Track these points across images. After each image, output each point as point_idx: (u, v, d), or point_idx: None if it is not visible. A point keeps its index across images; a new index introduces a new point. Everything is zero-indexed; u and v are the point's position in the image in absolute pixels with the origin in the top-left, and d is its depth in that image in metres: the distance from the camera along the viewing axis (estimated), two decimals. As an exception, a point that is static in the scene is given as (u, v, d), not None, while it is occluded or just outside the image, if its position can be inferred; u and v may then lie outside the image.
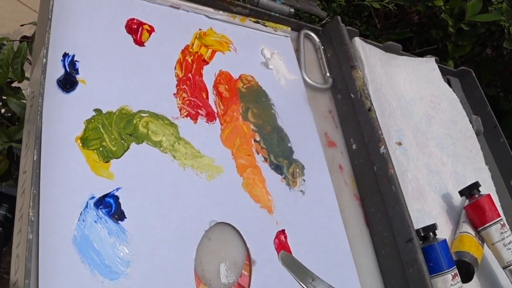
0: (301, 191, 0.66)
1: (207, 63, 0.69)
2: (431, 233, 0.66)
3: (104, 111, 0.56)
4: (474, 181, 0.75)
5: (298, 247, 0.61)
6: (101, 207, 0.50)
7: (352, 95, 0.77)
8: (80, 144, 0.52)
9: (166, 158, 0.57)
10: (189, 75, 0.65)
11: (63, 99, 0.54)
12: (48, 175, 0.48)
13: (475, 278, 0.67)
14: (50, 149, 0.49)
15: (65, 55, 0.56)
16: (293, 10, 0.84)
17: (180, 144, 0.59)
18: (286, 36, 0.82)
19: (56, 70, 0.54)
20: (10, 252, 0.50)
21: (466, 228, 0.71)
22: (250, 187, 0.62)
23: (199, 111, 0.63)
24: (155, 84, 0.61)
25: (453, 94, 0.94)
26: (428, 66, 0.95)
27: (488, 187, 0.83)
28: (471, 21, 1.25)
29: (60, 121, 0.52)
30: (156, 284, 0.49)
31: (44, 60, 0.53)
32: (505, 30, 1.27)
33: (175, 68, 0.65)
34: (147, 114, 0.59)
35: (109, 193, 0.51)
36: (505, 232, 0.69)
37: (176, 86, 0.63)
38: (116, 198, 0.51)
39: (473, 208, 0.72)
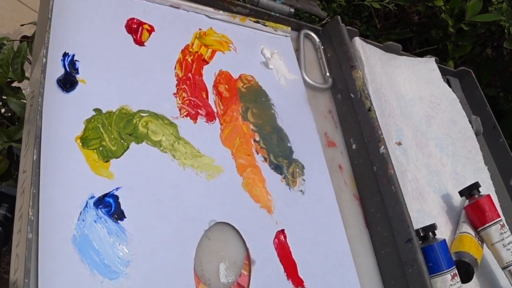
0: (301, 191, 0.66)
1: (207, 62, 0.69)
2: (430, 233, 0.66)
3: (104, 111, 0.56)
4: (473, 181, 0.75)
5: (297, 247, 0.61)
6: (100, 206, 0.50)
7: (352, 95, 0.77)
8: (80, 144, 0.52)
9: (166, 158, 0.57)
10: (189, 74, 0.65)
11: (63, 98, 0.54)
12: (48, 174, 0.48)
13: (474, 278, 0.67)
14: (50, 149, 0.49)
15: (65, 54, 0.56)
16: (293, 10, 0.84)
17: (180, 143, 0.59)
18: (286, 36, 0.82)
19: (56, 70, 0.54)
20: (10, 252, 0.50)
21: (466, 228, 0.71)
22: (250, 187, 0.62)
23: (199, 111, 0.63)
24: (155, 84, 0.61)
25: (452, 94, 0.94)
26: (428, 66, 0.95)
27: (487, 187, 0.83)
28: (471, 21, 1.25)
29: (60, 120, 0.52)
30: (155, 284, 0.49)
31: (44, 59, 0.53)
32: (505, 30, 1.27)
33: (175, 67, 0.65)
34: (147, 114, 0.59)
35: (109, 192, 0.51)
36: (505, 232, 0.69)
37: (176, 86, 0.63)
38: (115, 198, 0.51)
39: (473, 208, 0.72)
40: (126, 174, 0.53)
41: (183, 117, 0.62)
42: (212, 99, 0.66)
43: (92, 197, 0.50)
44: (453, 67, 1.21)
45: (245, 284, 0.55)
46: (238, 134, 0.65)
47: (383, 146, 0.69)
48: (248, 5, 0.79)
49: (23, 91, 0.94)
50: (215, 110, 0.65)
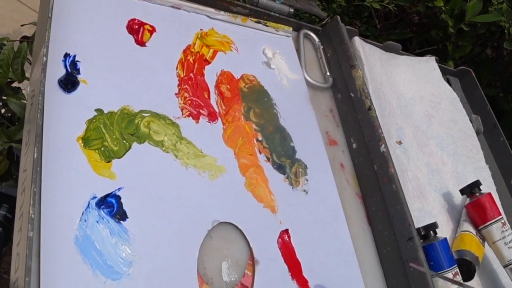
0: (304, 190, 0.66)
1: (209, 63, 0.69)
2: (431, 232, 0.66)
3: (105, 111, 0.56)
4: (474, 180, 0.75)
5: (301, 247, 0.60)
6: (103, 207, 0.50)
7: (352, 94, 0.77)
8: (82, 144, 0.52)
9: (168, 158, 0.57)
10: (191, 75, 0.65)
11: (65, 99, 0.54)
12: (49, 175, 0.48)
13: (476, 276, 0.67)
14: (51, 149, 0.49)
15: (66, 55, 0.56)
16: (292, 10, 0.84)
17: (182, 143, 0.59)
18: (288, 36, 0.82)
19: (57, 70, 0.55)
20: (10, 252, 0.49)
21: (467, 226, 0.71)
22: (252, 187, 0.61)
23: (200, 111, 0.63)
24: (156, 84, 0.61)
25: (453, 93, 0.94)
26: (428, 65, 0.95)
27: (488, 186, 0.83)
28: (471, 21, 1.25)
29: (61, 121, 0.52)
30: (158, 285, 0.49)
31: (44, 58, 0.53)
32: (505, 31, 1.27)
33: (177, 68, 0.65)
34: (148, 114, 0.59)
35: (111, 193, 0.51)
36: (506, 230, 0.69)
37: (178, 86, 0.63)
38: (118, 198, 0.51)
39: (474, 206, 0.72)
40: (128, 174, 0.53)
41: (185, 117, 0.61)
42: (214, 99, 0.66)
43: (94, 197, 0.50)
44: (453, 67, 1.21)
45: (249, 284, 0.55)
46: (240, 134, 0.65)
47: (383, 145, 0.69)
48: (247, 5, 0.79)
49: (23, 92, 0.94)
50: (217, 110, 0.65)
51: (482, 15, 1.25)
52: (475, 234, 0.70)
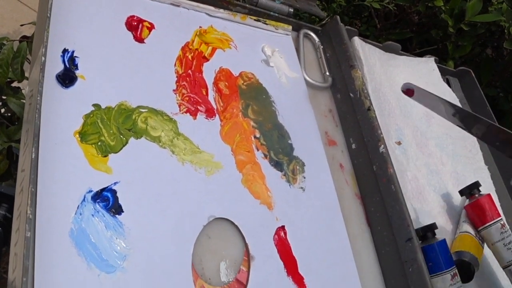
0: (301, 188, 0.66)
1: (207, 60, 0.69)
2: (430, 233, 0.66)
3: (103, 106, 0.56)
4: (474, 180, 0.75)
5: (298, 244, 0.60)
6: (98, 200, 0.50)
7: (351, 95, 0.77)
8: (79, 139, 0.52)
9: (165, 153, 0.57)
10: (189, 71, 0.65)
11: (62, 94, 0.54)
12: (46, 169, 0.48)
13: (475, 278, 0.67)
14: (48, 144, 0.49)
15: (65, 51, 0.56)
16: (292, 10, 0.84)
17: (179, 139, 0.59)
18: (287, 34, 0.82)
19: (55, 66, 0.55)
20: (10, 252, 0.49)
21: (466, 227, 0.71)
22: (249, 183, 0.61)
23: (198, 107, 0.63)
24: (154, 80, 0.62)
25: (452, 94, 0.94)
26: (428, 66, 0.95)
27: (487, 187, 0.83)
28: (471, 21, 1.25)
29: (59, 115, 0.52)
30: (153, 278, 0.49)
31: (43, 58, 0.53)
32: (505, 31, 1.27)
33: (175, 64, 0.65)
34: (146, 110, 0.59)
35: (107, 187, 0.51)
36: (505, 232, 0.69)
37: (176, 83, 0.63)
38: (113, 192, 0.51)
39: (473, 207, 0.72)
40: (125, 169, 0.53)
41: (182, 113, 0.61)
42: (212, 96, 0.66)
43: (90, 191, 0.50)
44: (453, 67, 1.21)
45: (244, 280, 0.55)
46: (238, 131, 0.65)
47: (382, 146, 0.69)
48: (247, 5, 0.79)
49: (23, 91, 0.94)
50: (215, 106, 0.65)
51: (482, 15, 1.24)
52: (474, 235, 0.70)
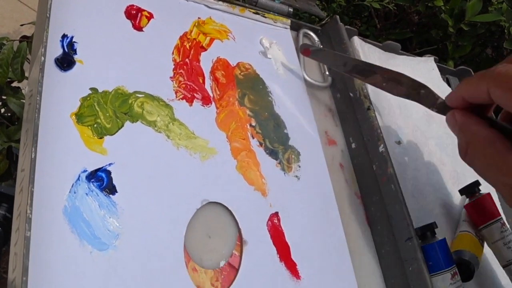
0: (296, 176, 0.66)
1: (205, 49, 0.69)
2: (430, 232, 0.65)
3: (100, 90, 0.57)
4: (473, 180, 0.74)
5: (291, 231, 0.61)
6: (93, 180, 0.51)
7: (351, 94, 0.77)
8: (75, 120, 0.53)
9: (160, 138, 0.58)
10: (186, 60, 0.66)
11: (60, 77, 0.55)
12: (41, 149, 0.49)
13: (475, 277, 0.67)
14: (45, 125, 0.50)
15: (64, 36, 0.58)
16: (292, 10, 0.84)
17: (175, 125, 0.60)
18: (286, 28, 0.82)
19: (54, 50, 0.56)
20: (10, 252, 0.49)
21: (466, 227, 0.71)
22: (244, 170, 0.62)
23: (195, 94, 0.64)
24: (152, 67, 0.63)
25: (452, 94, 0.93)
26: (427, 65, 0.95)
27: (487, 186, 0.83)
28: (471, 21, 1.25)
29: (57, 98, 0.53)
30: (144, 258, 0.50)
31: (42, 58, 0.53)
32: (505, 31, 1.27)
33: (173, 53, 0.66)
34: (142, 95, 0.60)
35: (102, 167, 0.52)
36: (505, 231, 0.69)
37: (173, 70, 0.64)
38: (108, 173, 0.52)
39: (474, 207, 0.72)
40: (120, 151, 0.54)
41: (179, 99, 0.62)
42: (208, 84, 0.66)
43: (85, 171, 0.51)
44: (453, 67, 1.21)
45: (236, 264, 0.55)
46: (234, 118, 0.66)
47: (382, 145, 0.69)
48: (247, 5, 0.79)
49: (23, 91, 0.94)
50: (211, 94, 0.66)
51: (482, 15, 1.25)
52: (474, 234, 0.70)
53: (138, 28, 0.64)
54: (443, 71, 0.99)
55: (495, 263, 0.72)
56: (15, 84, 0.95)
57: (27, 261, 0.42)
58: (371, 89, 0.79)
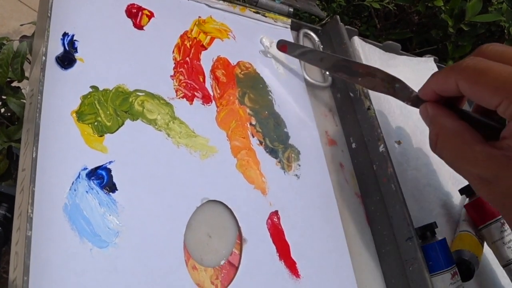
0: (296, 175, 0.66)
1: (206, 48, 0.70)
2: (430, 232, 0.66)
3: (100, 88, 0.57)
4: (474, 180, 0.75)
5: (291, 230, 0.61)
6: (93, 178, 0.51)
7: (351, 94, 0.77)
8: (76, 118, 0.53)
9: (160, 136, 0.58)
10: (187, 59, 0.66)
11: (61, 75, 0.55)
12: (42, 147, 0.49)
13: (475, 276, 0.67)
14: (46, 123, 0.50)
15: (65, 34, 0.58)
16: (292, 10, 0.84)
17: (175, 123, 0.60)
18: (286, 27, 0.82)
19: (55, 48, 0.56)
20: (10, 252, 0.49)
21: (466, 226, 0.71)
22: (244, 168, 0.62)
23: (195, 93, 0.64)
24: (152, 66, 0.63)
25: (452, 94, 0.93)
26: (427, 65, 0.95)
27: (488, 186, 0.83)
28: (471, 21, 1.25)
29: (57, 96, 0.53)
30: (144, 255, 0.50)
31: (43, 58, 0.53)
32: (505, 31, 1.27)
33: (173, 51, 0.66)
34: (143, 94, 0.60)
35: (102, 165, 0.52)
36: (505, 230, 0.69)
37: (174, 69, 0.65)
38: (108, 171, 0.52)
39: (474, 206, 0.72)
40: (120, 149, 0.54)
41: (179, 98, 0.62)
42: (209, 83, 0.67)
43: (85, 168, 0.51)
44: (453, 67, 1.21)
45: (236, 262, 0.56)
46: (234, 117, 0.66)
47: (382, 145, 0.69)
48: (247, 5, 0.79)
49: (23, 91, 0.94)
50: (211, 93, 0.66)
51: (482, 15, 1.25)
52: (474, 234, 0.70)
53: (139, 26, 0.65)
54: (443, 71, 0.99)
55: (495, 263, 0.72)
56: (15, 84, 0.95)
57: (28, 260, 0.42)
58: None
